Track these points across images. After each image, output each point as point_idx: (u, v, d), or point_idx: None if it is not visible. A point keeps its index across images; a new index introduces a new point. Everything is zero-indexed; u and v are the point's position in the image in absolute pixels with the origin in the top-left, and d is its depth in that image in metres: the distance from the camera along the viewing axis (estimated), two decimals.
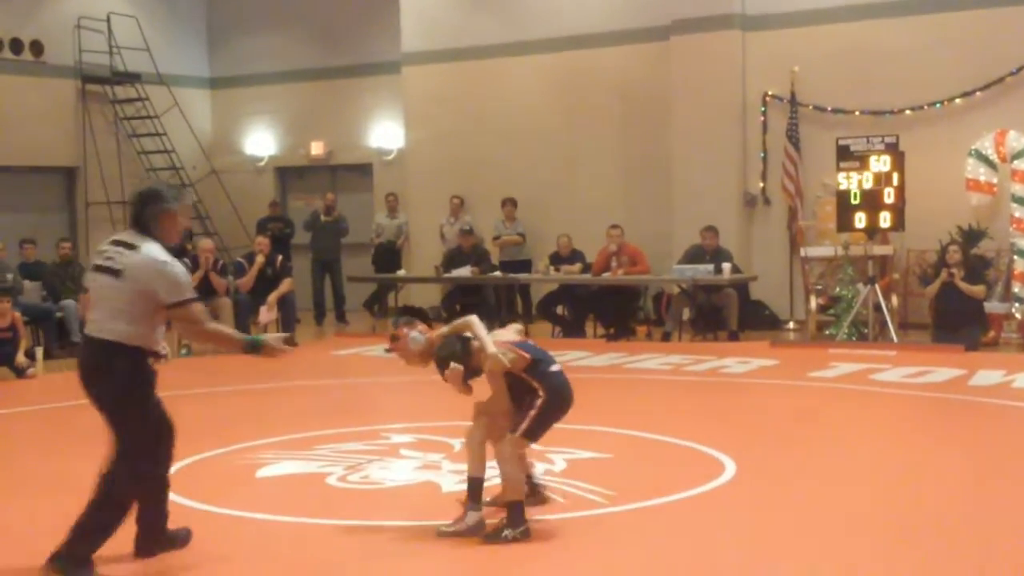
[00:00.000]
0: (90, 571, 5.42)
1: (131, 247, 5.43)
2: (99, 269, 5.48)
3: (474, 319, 6.17)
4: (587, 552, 5.79)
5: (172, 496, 6.78)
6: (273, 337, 5.75)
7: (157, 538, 5.71)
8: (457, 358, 6.04)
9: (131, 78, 19.81)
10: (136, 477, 5.51)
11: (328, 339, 16.28)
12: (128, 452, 5.46)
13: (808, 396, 10.67)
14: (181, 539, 5.80)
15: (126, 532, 5.60)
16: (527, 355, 6.06)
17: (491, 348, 5.99)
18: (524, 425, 5.93)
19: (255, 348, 5.61)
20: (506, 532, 5.87)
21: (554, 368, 6.11)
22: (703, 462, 7.60)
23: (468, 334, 6.13)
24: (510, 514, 5.93)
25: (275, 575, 5.49)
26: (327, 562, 5.71)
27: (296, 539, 6.07)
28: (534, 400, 5.96)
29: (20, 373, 12.50)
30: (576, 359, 13.13)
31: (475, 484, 6.08)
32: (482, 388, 6.18)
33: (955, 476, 7.36)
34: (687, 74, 16.24)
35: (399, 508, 6.55)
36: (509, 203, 17.28)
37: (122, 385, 5.44)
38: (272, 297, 14.70)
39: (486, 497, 6.15)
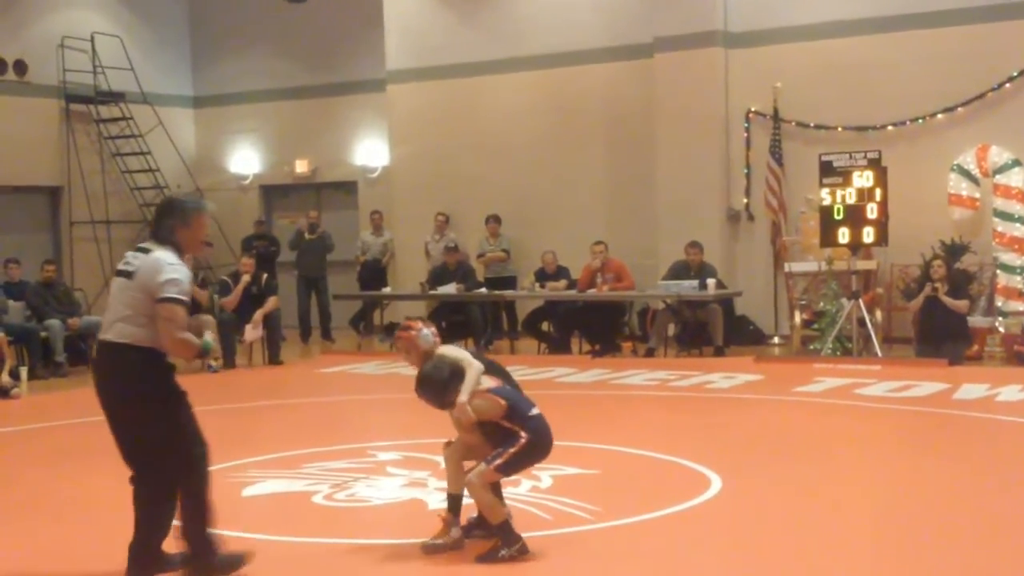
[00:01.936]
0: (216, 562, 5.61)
1: (146, 251, 5.56)
2: (118, 273, 5.62)
3: (476, 370, 6.08)
4: (574, 568, 5.80)
5: None
6: (212, 338, 5.81)
7: (151, 559, 5.65)
8: (437, 386, 6.02)
9: (115, 97, 19.80)
10: (170, 484, 5.56)
11: (314, 357, 16.26)
12: (153, 462, 5.51)
13: (793, 411, 10.69)
14: (176, 562, 5.73)
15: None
16: (503, 402, 5.96)
17: (463, 397, 5.95)
18: (499, 461, 5.87)
19: (207, 351, 5.72)
20: (502, 552, 5.87)
21: (533, 412, 6.04)
22: (689, 477, 7.61)
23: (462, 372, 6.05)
24: (501, 535, 5.92)
25: None
26: None
27: (283, 558, 6.06)
28: (515, 440, 5.91)
29: (4, 394, 12.44)
30: (562, 375, 13.15)
31: (454, 500, 6.09)
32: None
33: (941, 489, 7.38)
34: (671, 91, 16.30)
35: (386, 526, 6.55)
36: (493, 220, 17.31)
37: (134, 384, 5.48)
38: (258, 315, 14.68)
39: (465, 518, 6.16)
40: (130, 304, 5.48)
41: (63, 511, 5.57)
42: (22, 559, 6.09)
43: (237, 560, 5.68)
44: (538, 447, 5.97)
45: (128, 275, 5.52)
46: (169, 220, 5.62)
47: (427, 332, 6.34)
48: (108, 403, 5.55)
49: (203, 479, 5.65)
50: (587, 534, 6.33)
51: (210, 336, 5.85)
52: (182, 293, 5.46)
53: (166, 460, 5.53)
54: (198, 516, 5.59)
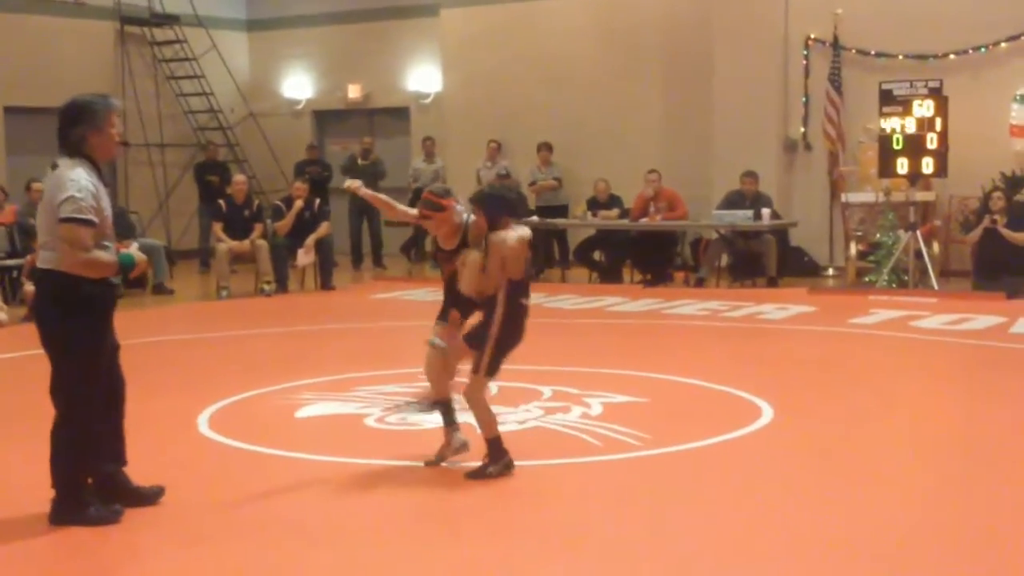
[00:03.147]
0: (87, 511, 5.32)
1: (54, 167, 5.26)
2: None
3: (526, 229, 6.10)
4: (625, 494, 5.81)
5: (212, 435, 6.89)
6: (135, 250, 5.54)
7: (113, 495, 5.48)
8: (502, 203, 6.02)
9: (169, 20, 19.77)
10: (69, 416, 5.30)
11: (366, 283, 16.33)
12: (59, 386, 5.30)
13: (847, 343, 10.61)
14: (149, 496, 5.59)
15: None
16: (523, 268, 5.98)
17: (511, 235, 5.90)
18: (484, 363, 5.99)
19: (129, 266, 5.34)
20: (490, 469, 5.98)
21: (524, 300, 6.06)
22: (740, 407, 7.59)
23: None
24: (490, 451, 6.02)
25: (311, 513, 5.53)
26: (363, 501, 5.75)
27: (334, 478, 6.11)
28: (490, 323, 5.94)
29: None
30: (613, 305, 13.12)
31: (445, 406, 6.27)
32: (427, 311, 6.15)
33: (996, 424, 7.31)
34: (729, 17, 16.03)
35: (435, 449, 6.57)
36: (544, 147, 17.18)
37: (49, 311, 5.24)
38: (310, 240, 14.73)
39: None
40: (46, 228, 5.21)
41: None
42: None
43: (112, 514, 5.37)
44: (511, 332, 6.00)
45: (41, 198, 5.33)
46: (78, 127, 5.25)
47: (460, 207, 6.37)
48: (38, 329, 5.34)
49: (86, 420, 5.30)
50: (637, 461, 6.33)
51: (133, 249, 5.58)
52: (80, 212, 5.08)
53: (64, 390, 5.30)
54: (67, 455, 5.30)
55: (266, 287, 14.44)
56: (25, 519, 5.43)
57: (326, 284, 15.07)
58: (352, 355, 10.19)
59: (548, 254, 16.60)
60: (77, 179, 5.16)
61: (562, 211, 16.67)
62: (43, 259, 5.24)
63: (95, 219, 5.17)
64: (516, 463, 6.06)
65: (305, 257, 14.79)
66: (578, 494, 5.86)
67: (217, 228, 14.72)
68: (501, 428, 6.22)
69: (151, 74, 19.83)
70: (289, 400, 7.98)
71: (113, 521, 5.34)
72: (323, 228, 15.02)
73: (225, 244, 14.49)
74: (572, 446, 6.58)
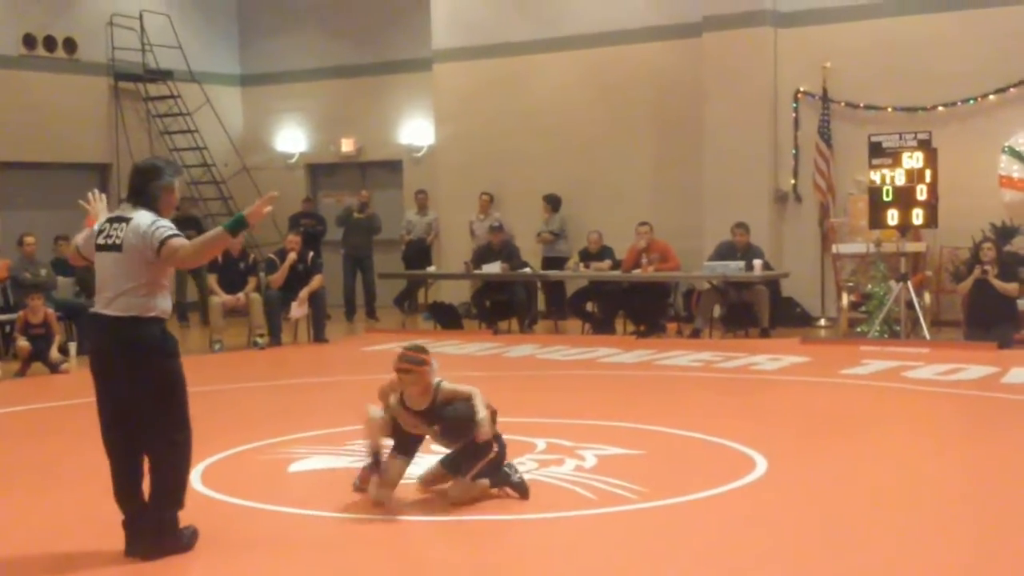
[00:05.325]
0: (180, 539, 5.65)
1: (127, 220, 5.59)
2: (101, 248, 5.62)
3: (478, 393, 6.43)
4: (619, 547, 5.79)
5: (205, 490, 6.87)
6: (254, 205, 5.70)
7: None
8: (459, 424, 6.31)
9: (163, 75, 19.91)
10: (177, 456, 5.66)
11: (359, 335, 16.33)
12: (161, 428, 5.59)
13: (840, 393, 10.62)
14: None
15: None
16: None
17: (482, 414, 6.32)
18: (474, 471, 6.39)
19: (239, 224, 5.60)
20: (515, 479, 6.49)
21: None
22: (734, 459, 7.57)
23: (475, 405, 6.37)
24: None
25: (302, 569, 5.50)
26: (356, 556, 5.73)
27: (327, 534, 6.09)
28: (487, 451, 6.38)
29: (54, 368, 12.61)
30: (606, 356, 13.12)
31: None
32: None
33: (990, 475, 7.30)
34: (719, 70, 16.18)
35: (428, 503, 6.56)
36: (547, 200, 17.34)
37: (140, 357, 5.53)
38: (303, 293, 14.76)
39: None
40: (130, 276, 5.52)
41: (109, 482, 5.65)
42: (71, 526, 6.17)
43: (191, 536, 5.75)
44: (500, 461, 6.52)
45: (116, 248, 5.55)
46: (155, 182, 5.65)
47: (436, 364, 6.48)
48: (115, 377, 5.57)
49: (189, 458, 5.76)
50: (631, 514, 6.31)
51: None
52: (170, 227, 5.54)
53: (178, 425, 5.63)
54: (175, 493, 5.65)
55: (259, 340, 14.44)
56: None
57: (319, 337, 15.07)
58: (345, 408, 10.14)
59: (549, 304, 16.65)
60: (155, 219, 5.58)
61: (561, 263, 16.71)
62: (122, 307, 5.52)
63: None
64: (509, 517, 6.05)
65: (298, 310, 14.81)
66: (572, 547, 5.83)
67: (212, 280, 14.73)
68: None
69: (145, 129, 19.95)
70: (281, 454, 7.95)
71: (194, 543, 5.71)
72: (316, 281, 15.04)
73: (219, 297, 14.50)
74: (566, 499, 6.56)
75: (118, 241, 5.55)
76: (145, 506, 5.64)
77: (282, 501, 6.67)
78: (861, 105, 15.56)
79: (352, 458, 7.74)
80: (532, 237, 17.27)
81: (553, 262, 16.79)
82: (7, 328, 13.70)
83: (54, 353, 12.70)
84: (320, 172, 21.45)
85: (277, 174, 20.78)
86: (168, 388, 5.60)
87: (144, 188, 5.67)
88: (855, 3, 15.72)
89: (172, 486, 5.63)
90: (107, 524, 5.71)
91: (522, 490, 6.52)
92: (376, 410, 6.58)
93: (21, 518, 6.56)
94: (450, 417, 6.35)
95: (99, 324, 5.64)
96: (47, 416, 10.27)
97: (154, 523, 5.59)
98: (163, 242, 5.47)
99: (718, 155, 16.14)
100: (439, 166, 19.02)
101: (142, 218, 5.56)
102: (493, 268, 15.92)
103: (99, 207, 5.96)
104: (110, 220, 5.67)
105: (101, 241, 5.62)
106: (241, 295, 14.52)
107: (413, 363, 6.39)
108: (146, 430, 5.60)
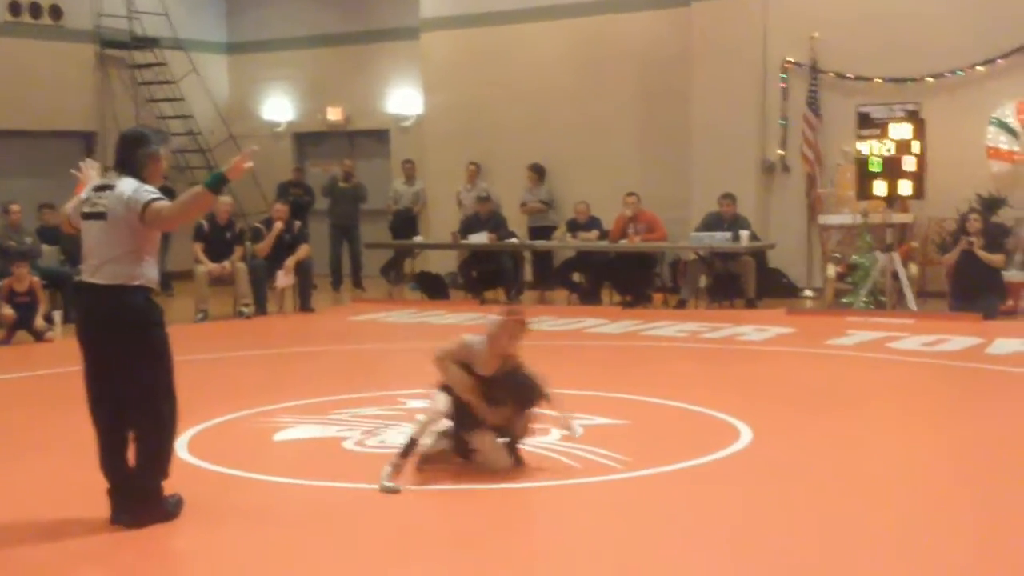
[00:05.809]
0: (166, 508, 5.67)
1: (111, 187, 5.61)
2: (87, 216, 5.63)
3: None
4: (603, 517, 5.81)
5: (191, 459, 6.88)
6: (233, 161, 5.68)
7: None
8: (530, 389, 6.49)
9: (149, 43, 19.79)
10: (164, 422, 5.68)
11: (345, 305, 16.32)
12: (147, 399, 5.59)
13: (825, 364, 10.65)
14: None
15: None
16: None
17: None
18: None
19: (219, 180, 5.56)
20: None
21: None
22: (719, 429, 7.60)
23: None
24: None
25: (289, 538, 5.51)
26: (341, 525, 5.74)
27: (312, 502, 6.10)
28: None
29: (39, 337, 12.57)
30: (592, 326, 13.13)
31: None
32: None
33: (972, 444, 7.35)
34: (707, 40, 16.13)
35: (414, 473, 6.56)
36: (533, 169, 17.27)
37: (125, 324, 5.54)
38: (289, 262, 14.72)
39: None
40: (114, 243, 5.53)
41: (94, 451, 5.66)
42: (59, 493, 6.17)
43: (178, 503, 5.78)
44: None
45: (101, 216, 5.56)
46: (140, 150, 5.66)
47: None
48: (101, 345, 5.58)
49: (175, 424, 5.77)
50: (616, 483, 6.34)
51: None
52: (152, 192, 5.53)
53: (163, 396, 5.64)
54: (160, 462, 5.67)
55: (244, 310, 14.41)
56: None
57: (305, 306, 15.04)
58: (331, 378, 10.18)
59: (538, 276, 16.65)
60: (137, 185, 5.57)
61: (551, 232, 16.69)
62: (108, 276, 5.52)
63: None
64: (494, 486, 6.06)
65: (284, 279, 14.78)
66: (557, 516, 5.86)
67: (197, 249, 14.63)
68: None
69: (131, 97, 19.85)
70: (267, 423, 7.96)
71: (179, 511, 5.72)
72: (303, 250, 15.00)
73: (204, 266, 14.45)
74: (551, 468, 6.58)
75: (103, 209, 5.56)
76: (130, 475, 5.65)
77: (268, 470, 6.69)
78: (849, 76, 15.53)
79: (338, 427, 7.75)
80: (518, 207, 17.23)
81: (540, 232, 16.77)
82: None
83: (39, 321, 12.66)
84: (307, 141, 21.37)
85: (263, 143, 20.56)
86: (153, 357, 5.60)
87: (130, 156, 5.67)
88: None
89: (157, 455, 5.64)
90: (93, 492, 5.71)
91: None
92: (442, 398, 6.52)
93: (5, 486, 6.56)
94: (522, 383, 6.42)
95: (85, 292, 5.66)
96: (32, 384, 10.26)
97: (138, 492, 5.60)
98: (146, 206, 5.47)
99: (706, 125, 16.11)
100: (426, 135, 18.96)
101: (126, 185, 5.56)
102: (480, 238, 15.89)
103: (91, 174, 5.95)
104: (96, 188, 5.67)
105: (87, 210, 5.63)
106: (227, 263, 14.48)
107: (523, 321, 6.51)
108: (132, 399, 5.60)
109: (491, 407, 6.47)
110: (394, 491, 6.08)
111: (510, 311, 6.53)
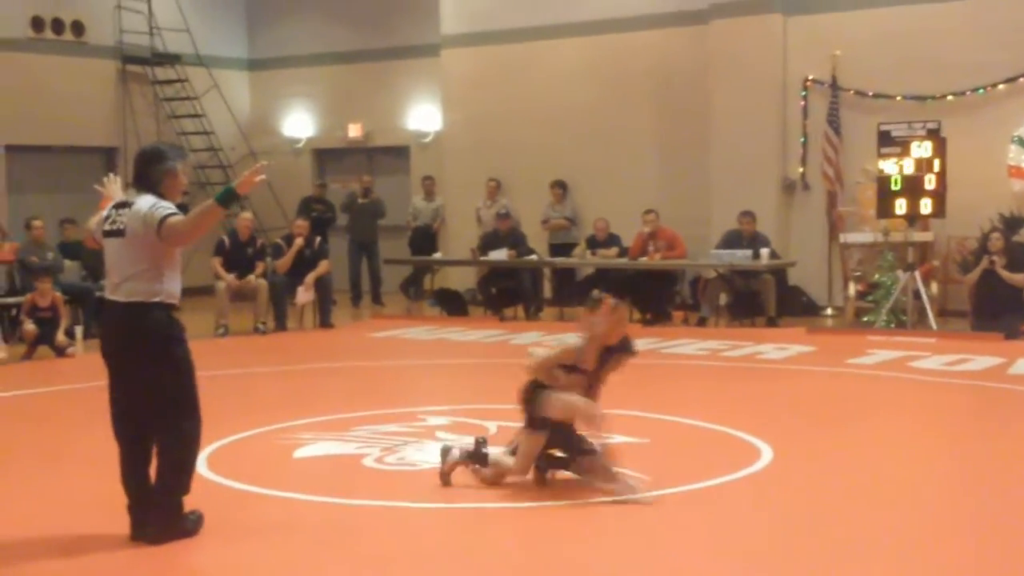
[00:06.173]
0: (185, 523, 5.67)
1: (129, 204, 5.64)
2: (108, 234, 5.67)
3: None
4: (624, 536, 5.78)
5: (210, 475, 6.87)
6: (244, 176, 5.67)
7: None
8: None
9: (171, 59, 19.89)
10: (190, 436, 5.70)
11: (365, 321, 16.33)
12: (170, 414, 5.61)
13: (846, 383, 10.60)
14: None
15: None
16: None
17: None
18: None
19: (229, 195, 5.58)
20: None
21: None
22: (739, 448, 7.57)
23: None
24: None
25: (308, 555, 5.51)
26: (361, 542, 5.73)
27: (331, 519, 6.09)
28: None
29: (60, 352, 12.61)
30: None
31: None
32: None
33: (995, 467, 7.29)
34: (727, 58, 16.12)
35: (434, 490, 6.55)
36: (557, 186, 17.27)
37: (149, 340, 5.56)
38: (309, 278, 14.76)
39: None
40: (134, 260, 5.56)
41: (115, 467, 5.67)
42: (79, 506, 6.17)
43: (199, 520, 5.77)
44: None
45: (119, 233, 5.59)
46: (158, 166, 5.68)
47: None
48: (124, 362, 5.61)
49: (199, 437, 5.77)
50: (637, 503, 6.30)
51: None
52: (168, 207, 5.54)
53: (186, 412, 5.65)
54: (181, 478, 5.68)
55: (261, 327, 14.45)
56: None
57: (325, 322, 15.07)
58: (350, 394, 10.18)
59: (559, 292, 16.60)
60: (155, 202, 5.59)
61: (573, 249, 16.64)
62: (128, 292, 5.55)
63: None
64: (514, 505, 6.06)
65: (304, 295, 14.81)
66: (578, 535, 5.83)
67: (215, 263, 14.67)
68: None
69: (152, 113, 19.93)
70: (287, 440, 7.96)
71: (199, 528, 5.71)
72: (323, 266, 15.04)
73: (224, 281, 14.48)
74: (572, 488, 6.55)
75: (121, 226, 5.59)
76: (151, 490, 5.65)
77: (287, 487, 6.68)
78: (870, 93, 15.50)
79: (358, 444, 7.75)
80: (539, 224, 17.23)
81: (562, 249, 16.74)
82: (14, 311, 13.71)
83: (60, 337, 12.71)
84: (327, 157, 21.43)
85: (284, 159, 20.76)
86: (175, 372, 5.62)
87: (147, 172, 5.70)
88: None
89: (179, 471, 5.66)
90: (113, 508, 5.72)
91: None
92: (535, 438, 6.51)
93: (26, 501, 6.57)
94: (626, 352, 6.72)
95: (107, 310, 5.70)
96: (53, 400, 10.29)
97: (159, 507, 5.60)
98: (162, 221, 5.49)
99: (725, 143, 16.09)
100: (446, 152, 18.99)
101: (143, 202, 5.59)
102: (499, 255, 15.89)
103: (114, 189, 5.98)
104: (116, 206, 5.71)
105: (107, 227, 5.67)
106: (252, 277, 14.52)
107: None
108: (155, 415, 5.62)
109: (596, 400, 6.55)
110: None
111: (613, 306, 6.56)
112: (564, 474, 6.58)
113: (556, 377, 6.46)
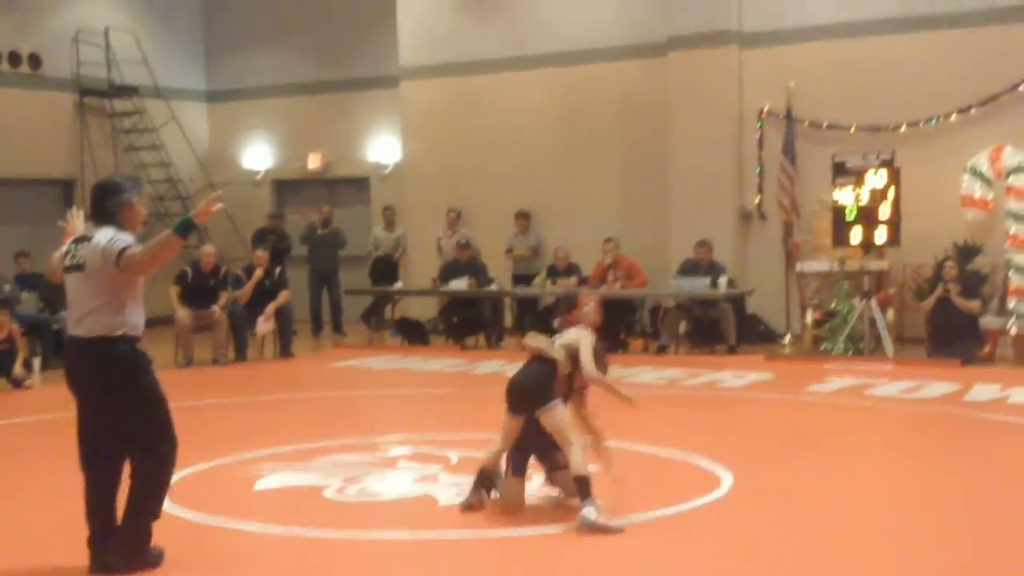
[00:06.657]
0: (149, 556, 5.65)
1: (88, 239, 5.65)
2: (67, 270, 5.69)
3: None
4: (581, 565, 5.80)
5: (170, 507, 6.83)
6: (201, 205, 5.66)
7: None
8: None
9: (129, 91, 19.83)
10: (162, 466, 5.70)
11: (326, 351, 16.29)
12: (144, 441, 5.62)
13: (804, 410, 10.68)
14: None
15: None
16: None
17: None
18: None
19: (186, 225, 5.56)
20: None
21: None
22: (699, 476, 7.62)
23: None
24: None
25: None
26: (321, 573, 5.72)
27: (292, 552, 6.08)
28: None
29: (17, 384, 12.51)
30: None
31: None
32: None
33: (951, 490, 7.38)
34: (684, 90, 16.28)
35: (396, 521, 6.56)
36: (521, 216, 17.34)
37: (117, 374, 5.57)
38: (270, 308, 14.75)
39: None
40: (95, 294, 5.57)
41: (77, 498, 5.63)
42: (35, 542, 6.13)
43: (158, 556, 5.75)
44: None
45: (79, 268, 5.61)
46: (114, 199, 5.70)
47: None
48: (91, 397, 5.61)
49: (172, 468, 5.78)
50: (607, 532, 6.32)
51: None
52: (123, 241, 5.55)
53: (161, 438, 5.67)
54: (152, 503, 5.68)
55: (220, 358, 14.40)
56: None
57: (285, 352, 15.04)
58: (311, 424, 10.15)
59: (520, 323, 16.63)
60: (113, 235, 5.61)
61: (532, 279, 16.69)
62: (90, 327, 5.56)
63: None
64: (472, 534, 6.05)
65: (264, 325, 14.79)
66: (534, 565, 5.84)
67: (173, 294, 14.58)
68: (457, 499, 6.31)
69: (110, 145, 19.84)
70: (248, 472, 7.93)
71: (160, 563, 5.69)
72: (282, 296, 15.03)
73: (184, 311, 14.40)
74: (529, 515, 6.57)
75: (81, 261, 5.61)
76: (115, 521, 5.62)
77: (248, 519, 6.66)
78: (825, 125, 15.69)
79: (318, 475, 7.73)
80: (500, 254, 17.28)
81: (525, 279, 16.80)
82: None
83: (18, 369, 12.60)
84: (287, 189, 21.41)
85: (243, 190, 20.73)
86: (146, 405, 5.63)
87: (104, 206, 5.72)
88: (819, 24, 15.84)
89: (152, 494, 5.66)
90: (71, 541, 5.69)
91: None
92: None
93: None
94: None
95: (70, 345, 5.70)
96: (9, 433, 10.18)
97: (126, 534, 5.58)
98: (120, 253, 5.51)
99: (684, 173, 16.23)
100: (406, 183, 19.02)
101: (102, 235, 5.61)
102: (460, 284, 15.93)
103: (76, 223, 5.97)
104: (75, 240, 5.72)
105: (68, 263, 5.68)
106: (215, 308, 14.46)
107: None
108: (127, 443, 5.62)
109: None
110: (619, 530, 6.22)
111: (587, 293, 7.06)
112: (541, 493, 6.60)
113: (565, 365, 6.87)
